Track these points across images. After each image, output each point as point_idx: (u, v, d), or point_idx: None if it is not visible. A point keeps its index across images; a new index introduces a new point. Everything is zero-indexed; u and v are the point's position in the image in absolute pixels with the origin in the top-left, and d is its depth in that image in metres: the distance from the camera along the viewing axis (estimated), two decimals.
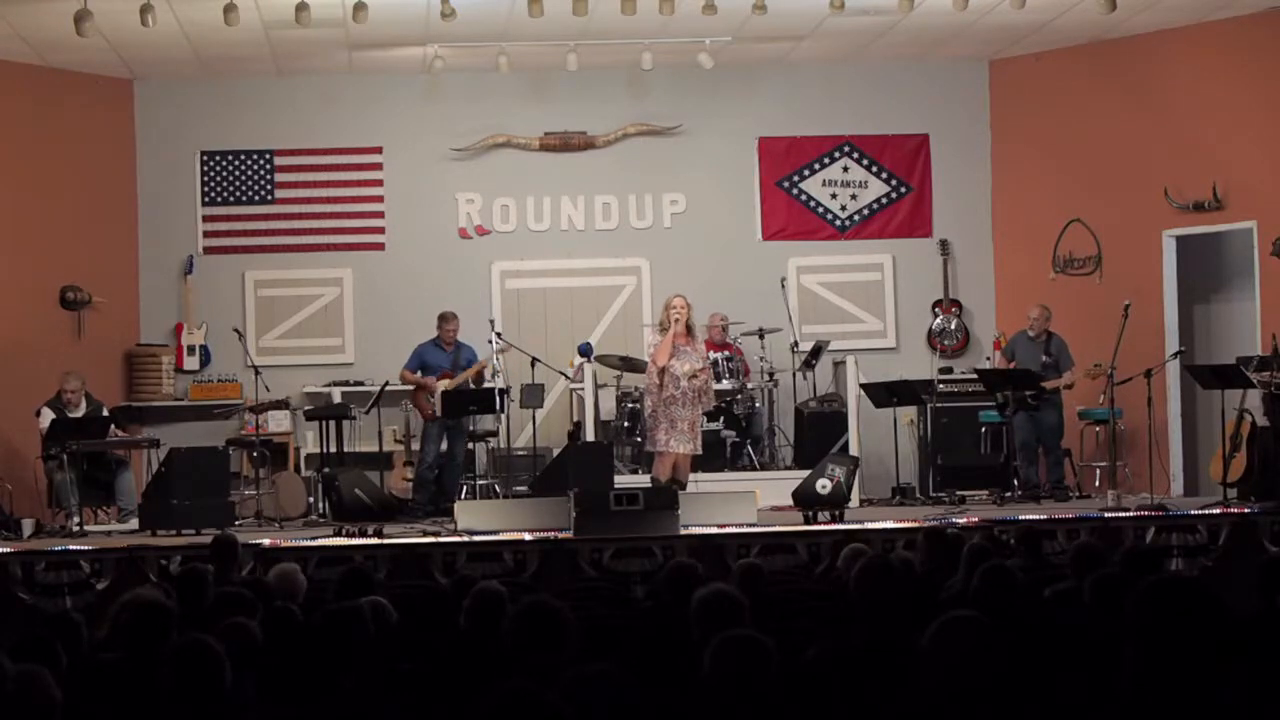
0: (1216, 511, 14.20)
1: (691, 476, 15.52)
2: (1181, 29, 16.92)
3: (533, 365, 16.35)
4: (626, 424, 16.63)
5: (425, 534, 14.03)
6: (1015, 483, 16.48)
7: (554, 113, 18.33)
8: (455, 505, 14.75)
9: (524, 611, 6.11)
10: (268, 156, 18.19)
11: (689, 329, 14.98)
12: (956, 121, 18.56)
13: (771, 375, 17.32)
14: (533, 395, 16.58)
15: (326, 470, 15.30)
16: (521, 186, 18.36)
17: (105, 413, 15.95)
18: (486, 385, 16.53)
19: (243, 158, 18.16)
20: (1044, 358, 16.55)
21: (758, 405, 17.13)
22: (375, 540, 13.56)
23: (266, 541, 13.48)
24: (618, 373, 16.96)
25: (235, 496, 15.74)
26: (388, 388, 16.45)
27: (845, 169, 18.61)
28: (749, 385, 17.06)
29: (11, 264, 16.86)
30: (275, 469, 16.88)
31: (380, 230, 18.27)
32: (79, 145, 17.50)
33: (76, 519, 14.90)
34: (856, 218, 18.60)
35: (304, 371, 17.89)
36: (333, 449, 16.04)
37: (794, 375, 17.44)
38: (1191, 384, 16.54)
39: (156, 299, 18.05)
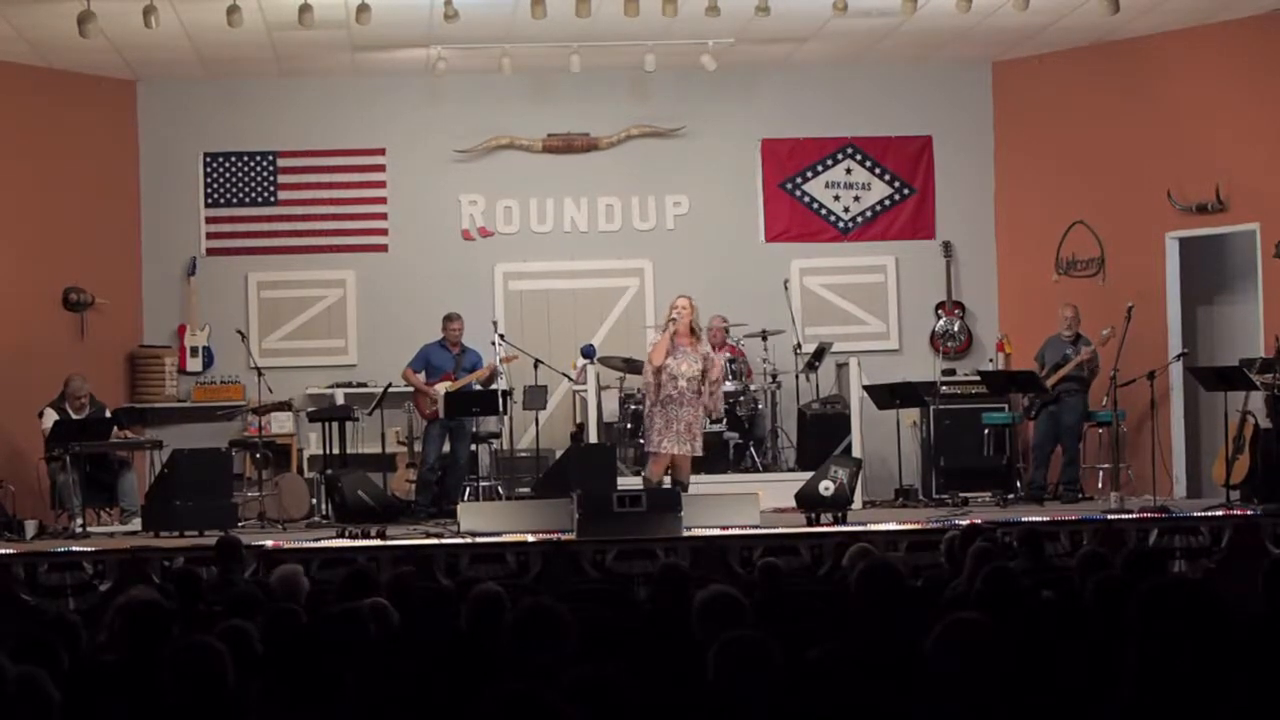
0: (1219, 513, 14.22)
1: (694, 478, 15.50)
2: (1184, 31, 16.92)
3: (535, 367, 16.36)
4: (629, 426, 16.60)
5: (428, 535, 14.05)
6: (1019, 484, 16.52)
7: (557, 114, 18.33)
8: (458, 507, 14.76)
9: (523, 613, 6.11)
10: (270, 158, 18.19)
11: (693, 330, 14.84)
12: (959, 123, 18.56)
13: (774, 377, 17.31)
14: (535, 397, 16.59)
15: (329, 472, 15.31)
16: (524, 188, 18.36)
17: (107, 414, 15.96)
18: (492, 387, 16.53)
19: (245, 159, 18.16)
20: (1067, 351, 16.56)
21: (760, 407, 17.12)
22: (378, 542, 13.58)
23: (269, 543, 13.51)
24: (621, 374, 16.94)
25: (238, 498, 15.76)
26: (390, 389, 16.45)
27: (848, 171, 18.60)
28: (752, 387, 17.05)
29: (14, 265, 16.86)
30: (278, 470, 16.89)
31: (383, 232, 18.28)
32: (81, 146, 17.50)
33: (79, 520, 14.91)
34: (859, 219, 18.60)
35: (307, 373, 17.88)
36: (335, 450, 16.05)
37: (797, 377, 17.43)
38: (1194, 386, 16.54)
39: (159, 300, 18.06)
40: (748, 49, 17.12)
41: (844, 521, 14.09)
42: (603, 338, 17.75)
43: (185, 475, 14.93)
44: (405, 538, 13.89)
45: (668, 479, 14.60)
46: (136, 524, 15.24)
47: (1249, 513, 14.22)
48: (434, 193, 18.27)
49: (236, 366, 17.63)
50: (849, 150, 18.62)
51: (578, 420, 17.51)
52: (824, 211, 18.58)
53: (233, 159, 18.15)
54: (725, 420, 16.73)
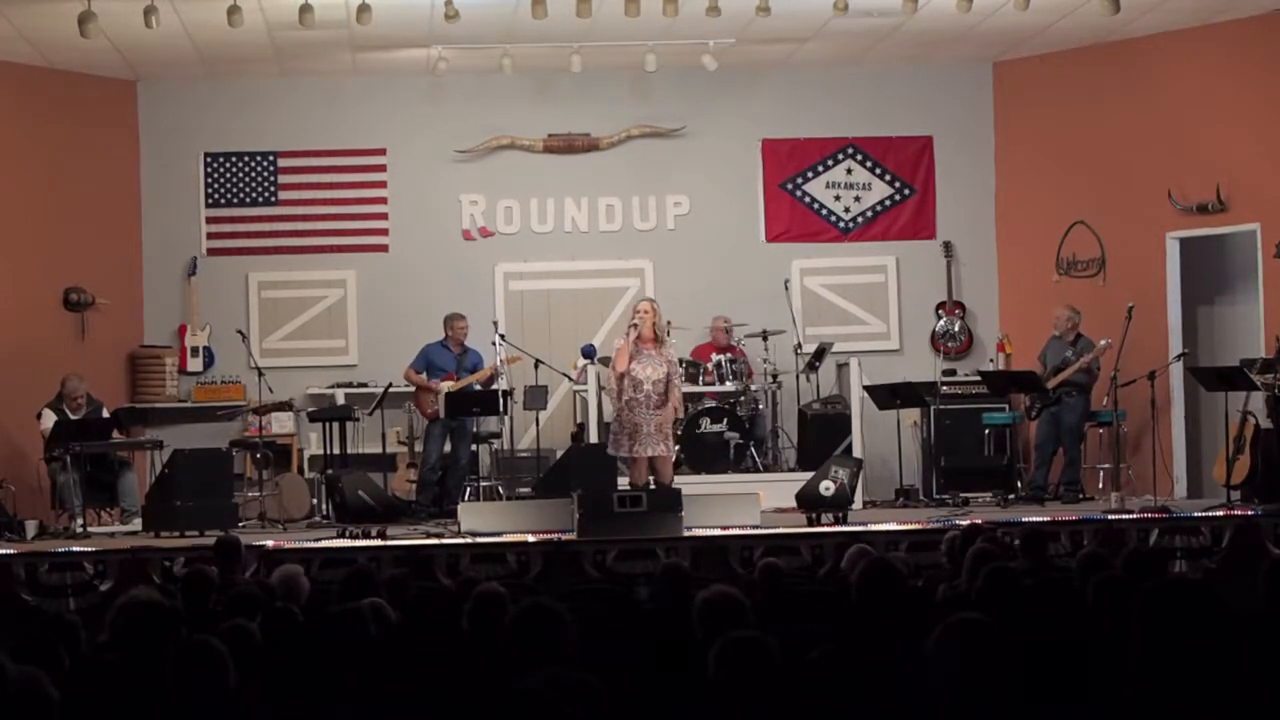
0: (1220, 514, 14.22)
1: (695, 478, 15.53)
2: (1185, 31, 16.91)
3: (536, 367, 16.38)
4: None
5: (429, 535, 14.05)
6: (1019, 484, 16.53)
7: (558, 114, 18.33)
8: (458, 507, 14.76)
9: (524, 613, 6.11)
10: (271, 158, 18.19)
11: (656, 334, 14.72)
12: (960, 123, 18.55)
13: (775, 377, 17.31)
14: (536, 397, 16.61)
15: (330, 472, 15.31)
16: (525, 188, 18.36)
17: (105, 413, 15.96)
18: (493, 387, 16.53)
19: (246, 159, 18.16)
20: (1067, 354, 16.56)
21: (761, 407, 17.13)
22: (378, 542, 13.58)
23: (270, 543, 13.51)
24: None
25: (238, 498, 15.77)
26: (391, 389, 16.46)
27: (849, 171, 18.60)
28: (752, 387, 17.05)
29: (15, 265, 16.86)
30: (278, 471, 16.89)
31: (384, 232, 18.28)
32: (82, 146, 17.50)
33: (80, 520, 14.91)
34: (860, 220, 18.60)
35: (307, 373, 17.89)
36: (336, 450, 16.05)
37: (797, 377, 17.43)
38: (1195, 386, 16.54)
39: (160, 300, 18.06)
40: (748, 49, 17.12)
41: (844, 521, 14.09)
42: (603, 338, 17.72)
43: (186, 475, 14.94)
44: (406, 538, 13.89)
45: (651, 481, 14.55)
46: (137, 524, 15.24)
47: (1249, 513, 14.21)
48: (434, 193, 18.27)
49: (237, 366, 17.63)
50: (849, 150, 18.62)
51: (578, 420, 17.52)
52: (824, 211, 18.58)
53: (233, 159, 18.15)
54: (726, 420, 16.73)
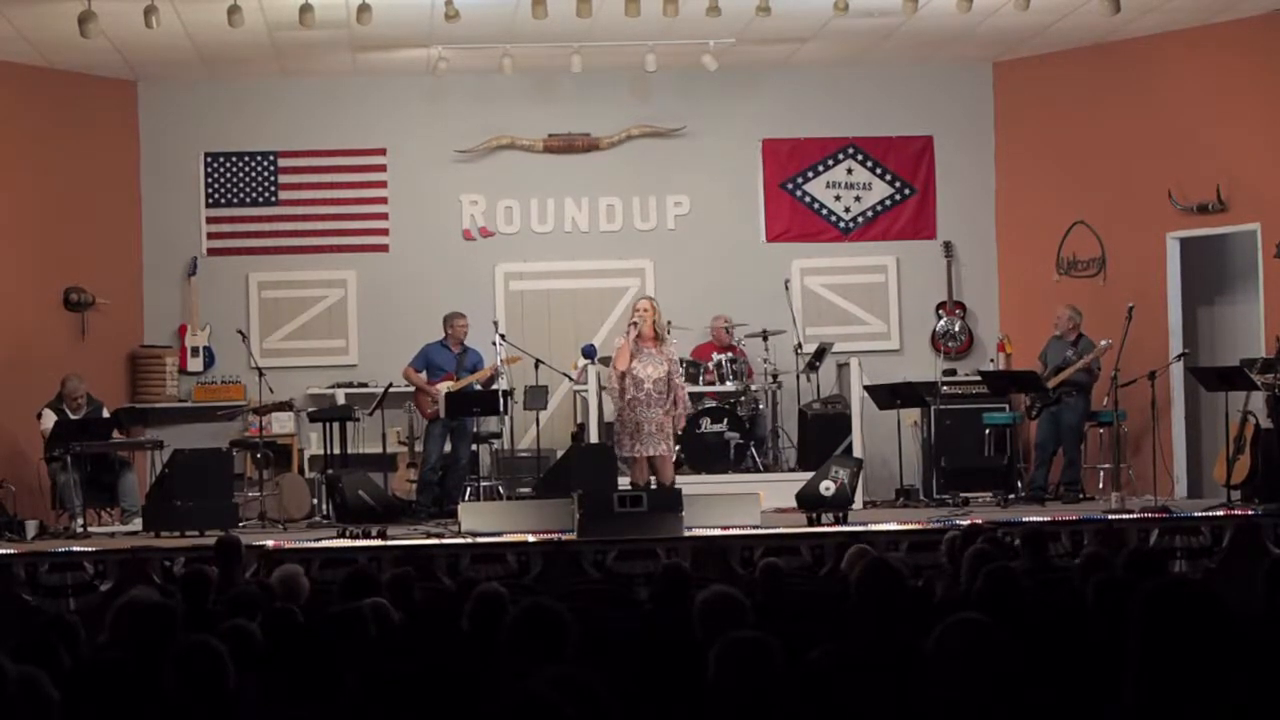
0: (1220, 513, 14.22)
1: (695, 478, 15.51)
2: (1185, 31, 16.92)
3: (536, 367, 16.38)
4: None
5: (429, 536, 14.05)
6: (1019, 484, 16.51)
7: (558, 114, 18.33)
8: (459, 507, 14.76)
9: (524, 613, 6.11)
10: (271, 158, 18.19)
11: (656, 332, 14.75)
12: (960, 123, 18.55)
13: (775, 377, 17.31)
14: (536, 397, 16.61)
15: (330, 472, 15.30)
16: (525, 188, 18.36)
17: (105, 413, 15.97)
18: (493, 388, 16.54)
19: (246, 159, 18.16)
20: (1068, 353, 16.56)
21: (761, 407, 17.13)
22: (379, 542, 13.57)
23: (270, 543, 13.50)
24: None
25: (239, 498, 15.76)
26: (391, 389, 16.46)
27: (849, 171, 18.60)
28: (753, 387, 17.05)
29: (15, 265, 16.86)
30: (279, 471, 16.88)
31: (384, 232, 18.28)
32: (82, 146, 17.49)
33: (80, 520, 14.91)
34: (860, 220, 18.60)
35: (308, 373, 17.89)
36: (336, 451, 16.04)
37: (798, 377, 17.43)
38: (1195, 386, 16.54)
39: (160, 300, 18.05)
40: (748, 49, 17.12)
41: (845, 522, 14.09)
42: (603, 338, 17.72)
43: (186, 475, 14.94)
44: (406, 538, 13.89)
45: (652, 481, 14.57)
46: (137, 524, 15.24)
47: (1250, 513, 14.22)
48: (435, 193, 18.27)
49: (237, 366, 17.63)
50: (850, 150, 18.62)
51: (578, 420, 17.52)
52: (825, 211, 18.58)
53: (233, 159, 18.15)
54: (726, 420, 16.74)
